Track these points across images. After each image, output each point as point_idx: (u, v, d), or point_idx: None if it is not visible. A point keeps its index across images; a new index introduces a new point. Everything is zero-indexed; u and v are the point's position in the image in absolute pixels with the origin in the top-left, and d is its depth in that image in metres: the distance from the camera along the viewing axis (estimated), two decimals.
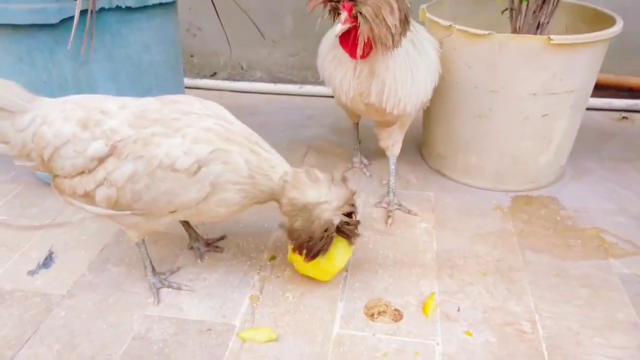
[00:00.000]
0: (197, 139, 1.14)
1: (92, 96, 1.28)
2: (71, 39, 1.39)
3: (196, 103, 1.23)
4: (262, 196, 1.24)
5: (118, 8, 1.48)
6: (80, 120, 1.18)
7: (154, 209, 1.19)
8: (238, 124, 1.25)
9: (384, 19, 1.24)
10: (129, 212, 1.20)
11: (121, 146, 1.14)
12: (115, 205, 1.19)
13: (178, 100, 1.24)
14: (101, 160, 1.16)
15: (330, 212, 1.22)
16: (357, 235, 1.31)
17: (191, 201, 1.17)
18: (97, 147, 1.15)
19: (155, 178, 1.14)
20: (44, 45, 1.49)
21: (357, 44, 1.29)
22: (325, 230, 1.23)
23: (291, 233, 1.26)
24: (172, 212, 1.20)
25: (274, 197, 1.24)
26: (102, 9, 1.46)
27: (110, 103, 1.21)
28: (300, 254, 1.28)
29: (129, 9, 1.50)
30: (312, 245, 1.25)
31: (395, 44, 1.29)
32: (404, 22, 1.29)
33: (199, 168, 1.13)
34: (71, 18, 1.43)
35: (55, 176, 1.23)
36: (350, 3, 1.25)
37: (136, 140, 1.14)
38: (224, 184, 1.17)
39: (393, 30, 1.25)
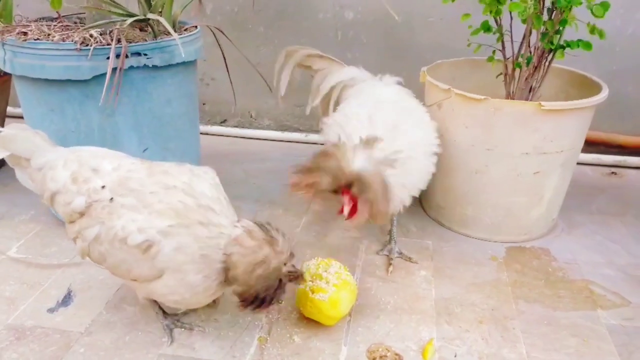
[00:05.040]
0: (160, 214, 1.17)
1: (99, 152, 1.36)
2: (102, 95, 1.52)
3: (184, 176, 1.24)
4: (221, 273, 1.22)
5: (145, 66, 1.62)
6: (73, 173, 1.27)
7: (117, 272, 1.27)
8: (209, 195, 1.24)
9: (383, 201, 1.39)
10: (102, 267, 1.28)
11: (93, 208, 1.23)
12: (90, 257, 1.28)
13: (169, 171, 1.26)
14: (81, 214, 1.25)
15: (282, 265, 1.23)
16: (301, 277, 1.31)
17: (146, 276, 1.22)
18: (79, 203, 1.24)
19: (113, 246, 1.21)
20: (74, 98, 1.62)
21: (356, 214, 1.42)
22: (280, 281, 1.24)
23: (247, 293, 1.23)
24: (134, 280, 1.26)
25: (227, 266, 1.21)
26: (130, 67, 1.59)
27: (107, 162, 1.28)
28: (254, 307, 1.25)
29: (155, 67, 1.63)
30: (267, 297, 1.24)
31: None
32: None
33: (149, 247, 1.17)
34: (101, 75, 1.56)
35: None
36: (350, 192, 1.39)
37: (104, 207, 1.21)
38: (180, 265, 1.18)
39: (387, 208, 1.41)
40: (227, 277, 1.22)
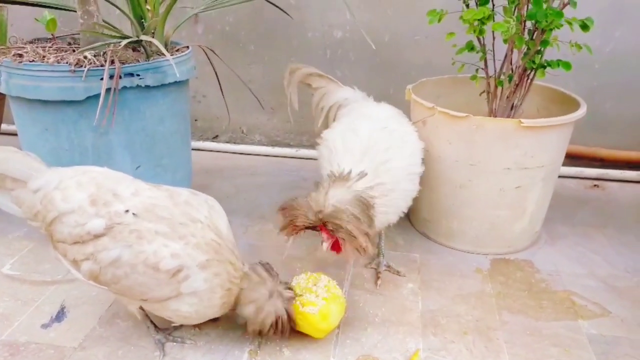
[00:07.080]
0: (198, 247, 1.26)
1: (110, 174, 1.38)
2: (97, 115, 1.56)
3: (204, 209, 1.35)
4: (233, 301, 1.38)
5: (138, 86, 1.66)
6: (91, 195, 1.28)
7: (129, 294, 1.29)
8: (226, 234, 1.37)
9: (356, 239, 1.43)
10: (106, 288, 1.31)
11: (117, 230, 1.24)
12: (96, 279, 1.29)
13: (190, 202, 1.34)
14: (96, 236, 1.25)
15: (280, 299, 1.39)
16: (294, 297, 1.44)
17: (162, 297, 1.27)
18: (97, 224, 1.25)
19: (135, 270, 1.23)
20: (69, 118, 1.65)
21: (340, 247, 1.48)
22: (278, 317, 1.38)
23: (255, 325, 1.39)
24: (144, 300, 1.31)
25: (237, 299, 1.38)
26: (123, 88, 1.63)
27: (124, 187, 1.31)
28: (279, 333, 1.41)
29: (147, 87, 1.68)
30: (282, 327, 1.39)
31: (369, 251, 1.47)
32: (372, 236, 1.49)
33: (178, 271, 1.24)
34: (95, 95, 1.60)
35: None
36: (326, 229, 1.44)
37: (132, 231, 1.24)
38: (202, 292, 1.29)
39: (365, 244, 1.44)
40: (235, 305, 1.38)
